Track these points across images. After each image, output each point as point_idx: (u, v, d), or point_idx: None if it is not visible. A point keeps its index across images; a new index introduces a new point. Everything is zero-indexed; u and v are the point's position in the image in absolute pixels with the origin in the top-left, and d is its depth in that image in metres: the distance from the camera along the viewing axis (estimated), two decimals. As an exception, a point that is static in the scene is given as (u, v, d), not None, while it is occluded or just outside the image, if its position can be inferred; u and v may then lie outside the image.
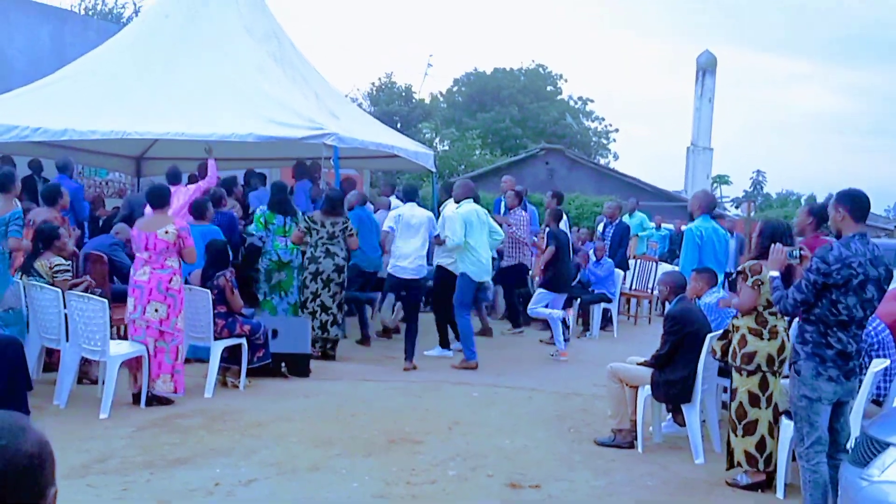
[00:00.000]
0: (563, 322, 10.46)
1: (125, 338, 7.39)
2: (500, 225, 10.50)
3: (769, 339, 5.33)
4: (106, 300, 6.80)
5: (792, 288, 4.75)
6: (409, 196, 9.73)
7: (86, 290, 7.39)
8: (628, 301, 13.87)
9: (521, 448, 6.29)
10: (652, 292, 13.13)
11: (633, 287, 13.55)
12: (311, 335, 8.80)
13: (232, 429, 6.42)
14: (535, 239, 11.27)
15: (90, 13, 31.75)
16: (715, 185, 45.99)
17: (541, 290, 10.12)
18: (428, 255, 9.65)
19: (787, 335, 5.44)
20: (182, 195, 9.44)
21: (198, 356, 8.03)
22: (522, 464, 5.95)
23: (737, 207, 41.69)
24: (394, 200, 11.99)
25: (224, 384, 7.77)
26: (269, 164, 13.78)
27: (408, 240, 9.19)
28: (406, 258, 9.15)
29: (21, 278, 7.21)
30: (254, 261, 9.58)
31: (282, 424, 6.58)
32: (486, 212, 9.85)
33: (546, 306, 10.15)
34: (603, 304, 12.03)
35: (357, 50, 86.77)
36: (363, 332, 10.23)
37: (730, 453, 5.62)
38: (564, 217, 12.10)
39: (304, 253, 9.37)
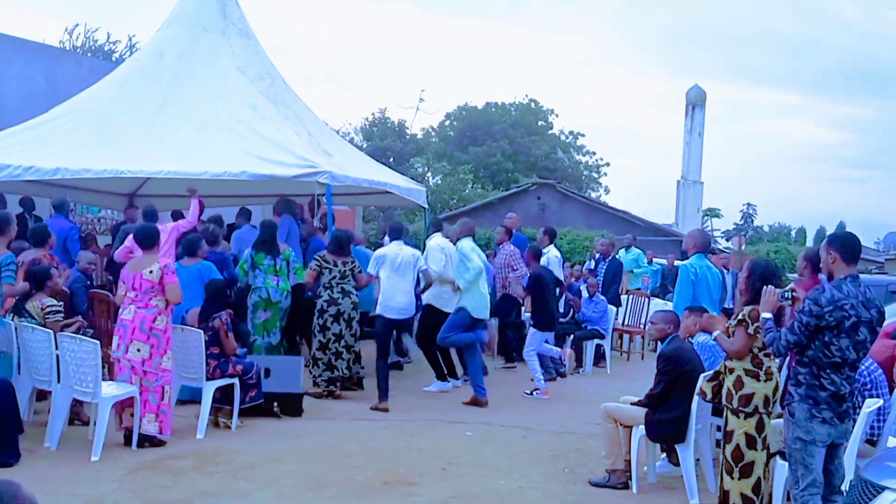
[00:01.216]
0: (559, 359, 10.50)
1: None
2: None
3: (765, 381, 5.31)
4: (98, 341, 6.77)
5: (784, 329, 4.78)
6: (394, 235, 9.52)
7: (77, 331, 7.37)
8: (621, 337, 13.87)
9: (516, 489, 6.26)
10: (644, 328, 13.13)
11: (626, 322, 13.56)
12: (332, 375, 9.06)
13: (224, 471, 6.37)
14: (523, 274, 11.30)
15: (79, 50, 31.92)
16: (706, 218, 46.20)
17: (533, 330, 10.06)
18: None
19: (780, 375, 5.45)
20: (161, 234, 9.39)
21: (193, 398, 7.96)
22: (517, 505, 5.92)
23: (727, 241, 41.84)
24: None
25: (216, 424, 7.72)
26: (261, 200, 13.79)
27: (398, 280, 9.06)
28: (395, 299, 9.05)
29: (13, 319, 7.18)
30: (242, 304, 9.55)
31: (274, 466, 6.53)
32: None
33: (537, 343, 10.16)
34: (596, 340, 12.03)
35: (349, 84, 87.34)
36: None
37: (723, 493, 5.57)
38: (556, 253, 12.14)
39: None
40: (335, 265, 9.15)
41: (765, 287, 5.05)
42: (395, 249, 9.24)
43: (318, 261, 9.18)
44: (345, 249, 9.29)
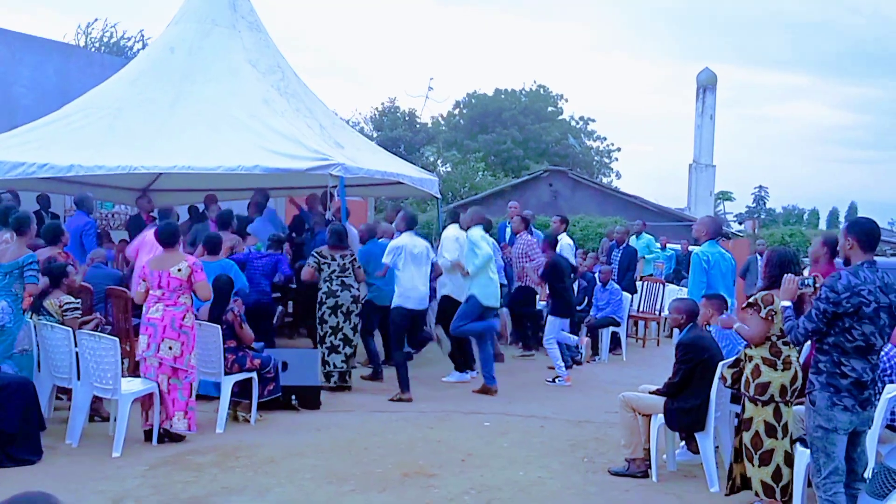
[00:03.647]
0: (576, 347, 10.50)
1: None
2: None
3: (783, 370, 5.30)
4: (117, 339, 6.81)
5: (803, 317, 4.76)
6: (410, 225, 9.45)
7: (95, 328, 7.40)
8: (636, 323, 13.85)
9: (536, 480, 6.27)
10: (660, 314, 13.11)
11: (641, 309, 13.54)
12: (330, 369, 9.01)
13: (245, 465, 6.40)
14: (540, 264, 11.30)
15: (96, 45, 31.95)
16: (718, 201, 46.04)
17: (552, 318, 10.05)
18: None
19: (800, 365, 5.43)
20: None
21: (207, 392, 7.98)
22: (537, 496, 5.93)
23: (741, 224, 41.69)
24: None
25: (235, 419, 7.76)
26: (274, 194, 13.78)
27: (416, 271, 9.07)
28: (416, 290, 9.07)
29: (31, 317, 7.21)
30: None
31: (294, 460, 6.56)
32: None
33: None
34: (611, 328, 12.02)
35: (358, 74, 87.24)
36: (375, 368, 9.97)
37: (743, 478, 5.56)
38: (569, 241, 12.13)
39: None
40: (333, 259, 9.15)
41: (785, 275, 5.03)
42: (410, 240, 9.22)
43: (315, 256, 9.20)
44: (343, 243, 9.29)
